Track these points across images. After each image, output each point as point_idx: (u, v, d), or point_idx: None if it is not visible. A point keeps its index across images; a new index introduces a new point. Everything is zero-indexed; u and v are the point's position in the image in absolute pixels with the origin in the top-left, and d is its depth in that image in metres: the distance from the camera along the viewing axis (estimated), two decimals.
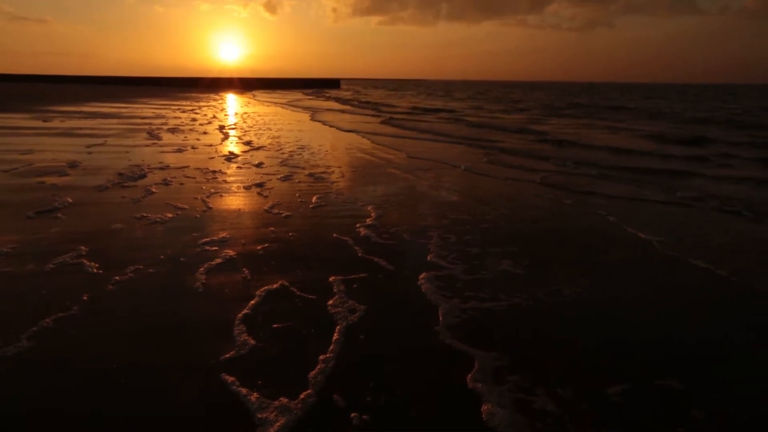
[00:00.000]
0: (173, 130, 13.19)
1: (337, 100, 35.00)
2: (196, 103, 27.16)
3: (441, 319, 3.02)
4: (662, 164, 8.70)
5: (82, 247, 4.04)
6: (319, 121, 17.37)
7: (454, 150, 10.88)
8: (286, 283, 3.48)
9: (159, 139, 11.33)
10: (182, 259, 3.89)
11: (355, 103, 30.64)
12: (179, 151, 9.60)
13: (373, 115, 20.79)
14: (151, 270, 3.65)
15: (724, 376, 2.52)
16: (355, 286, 3.47)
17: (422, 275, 3.67)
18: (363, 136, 12.94)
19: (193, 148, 10.08)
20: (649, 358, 2.67)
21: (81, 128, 13.11)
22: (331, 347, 2.67)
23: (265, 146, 10.63)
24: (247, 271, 3.67)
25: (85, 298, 3.17)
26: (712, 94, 59.04)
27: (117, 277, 3.50)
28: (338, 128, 15.07)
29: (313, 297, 3.28)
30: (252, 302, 3.17)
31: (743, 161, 9.36)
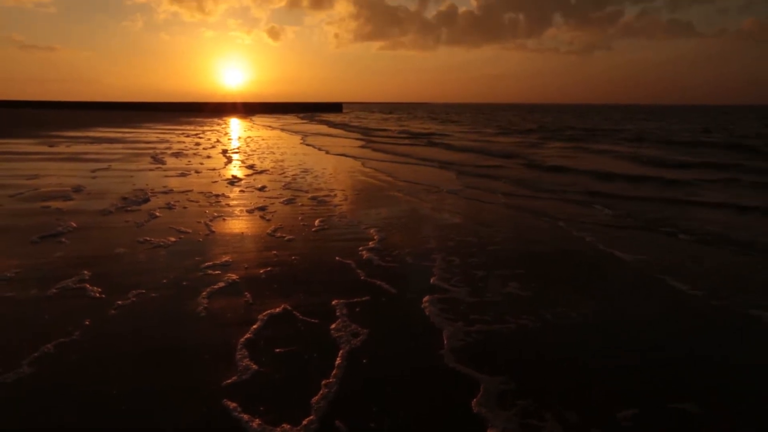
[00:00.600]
0: (177, 155, 13.38)
1: (327, 123, 35.52)
2: (200, 128, 27.60)
3: (445, 342, 3.00)
4: (648, 191, 8.53)
5: (85, 272, 4.06)
6: (310, 145, 17.55)
7: (437, 175, 10.94)
8: (289, 307, 3.47)
9: (163, 163, 11.49)
10: (185, 283, 3.90)
11: (344, 127, 30.99)
12: (183, 175, 9.72)
13: (358, 139, 21.04)
14: (153, 294, 3.66)
15: (735, 398, 2.48)
16: (357, 309, 3.47)
17: (426, 298, 3.67)
18: (355, 160, 13.07)
19: (197, 172, 10.20)
20: (658, 380, 2.63)
21: (86, 153, 13.32)
22: (334, 372, 2.65)
23: (268, 170, 10.76)
24: (249, 295, 3.68)
25: (87, 323, 3.17)
26: (713, 115, 59.63)
27: (119, 302, 3.50)
28: (327, 152, 15.24)
29: (316, 321, 3.27)
30: (254, 326, 3.17)
31: (729, 186, 9.21)
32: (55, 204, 6.69)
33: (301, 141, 19.49)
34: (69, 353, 2.80)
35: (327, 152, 15.10)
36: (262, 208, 6.75)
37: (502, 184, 9.31)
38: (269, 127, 31.17)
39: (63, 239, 5.02)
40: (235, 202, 7.14)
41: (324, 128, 29.95)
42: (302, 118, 46.93)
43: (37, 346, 2.85)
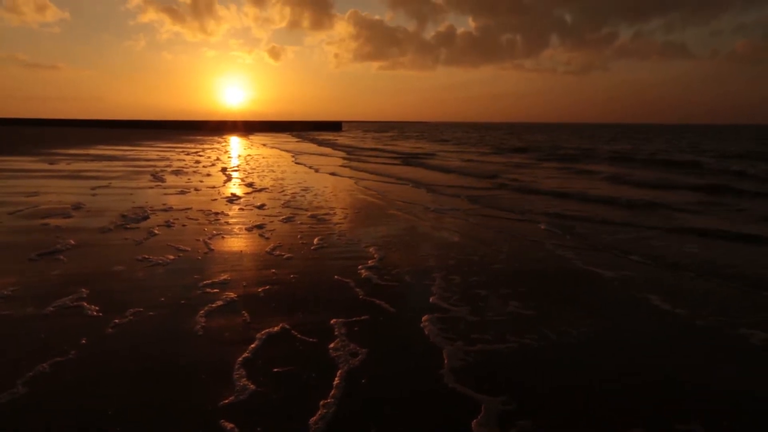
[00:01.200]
0: (177, 172, 13.45)
1: (316, 142, 35.77)
2: (201, 146, 27.82)
3: (446, 362, 2.98)
4: (630, 215, 8.18)
5: (83, 290, 4.05)
6: (300, 164, 17.61)
7: (421, 195, 11.02)
8: (287, 326, 3.46)
9: (163, 181, 11.54)
10: (183, 301, 3.89)
11: (332, 146, 31.01)
12: (182, 192, 9.75)
13: (343, 158, 21.10)
14: (151, 313, 3.64)
15: (738, 420, 2.46)
16: (356, 328, 3.45)
17: (425, 317, 3.65)
18: (348, 179, 13.16)
19: (196, 189, 10.25)
20: (660, 399, 2.61)
21: (87, 171, 13.39)
22: (333, 392, 2.63)
23: (267, 188, 10.81)
24: (247, 314, 3.66)
25: (83, 341, 3.15)
26: (710, 134, 60.09)
27: (117, 320, 3.48)
28: (317, 170, 15.34)
29: (314, 340, 3.25)
30: (252, 345, 3.15)
31: (712, 209, 8.92)
32: (54, 221, 6.70)
33: (293, 160, 19.57)
34: (65, 372, 2.78)
35: (317, 170, 15.16)
36: (260, 226, 6.76)
37: (481, 206, 9.09)
38: (265, 145, 31.43)
39: (61, 257, 5.01)
40: (234, 220, 7.16)
41: (313, 147, 30.19)
42: (294, 136, 47.43)
43: (32, 366, 2.82)
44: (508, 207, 8.92)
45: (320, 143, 33.97)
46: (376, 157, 21.82)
